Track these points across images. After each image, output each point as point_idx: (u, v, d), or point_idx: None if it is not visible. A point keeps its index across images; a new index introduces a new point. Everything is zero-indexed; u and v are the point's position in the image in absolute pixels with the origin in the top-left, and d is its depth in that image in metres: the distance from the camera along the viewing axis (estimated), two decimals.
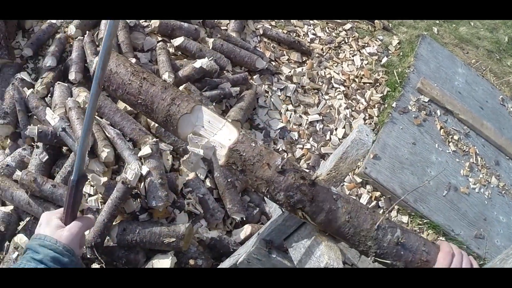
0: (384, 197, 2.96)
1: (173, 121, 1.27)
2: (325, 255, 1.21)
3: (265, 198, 2.20)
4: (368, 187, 2.97)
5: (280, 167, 1.19)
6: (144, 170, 2.08)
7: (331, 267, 1.19)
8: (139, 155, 2.13)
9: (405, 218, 2.95)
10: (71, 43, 2.77)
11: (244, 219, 2.34)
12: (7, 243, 2.08)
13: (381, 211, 2.93)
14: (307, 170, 2.83)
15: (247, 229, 2.32)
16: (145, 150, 2.13)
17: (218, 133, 1.25)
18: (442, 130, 3.37)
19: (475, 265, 1.22)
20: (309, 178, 1.21)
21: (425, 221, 2.94)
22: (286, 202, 1.20)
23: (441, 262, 1.20)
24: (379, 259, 1.21)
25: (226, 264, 1.95)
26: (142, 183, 2.10)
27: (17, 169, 2.15)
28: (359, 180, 2.95)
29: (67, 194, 1.02)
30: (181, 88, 2.43)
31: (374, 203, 2.92)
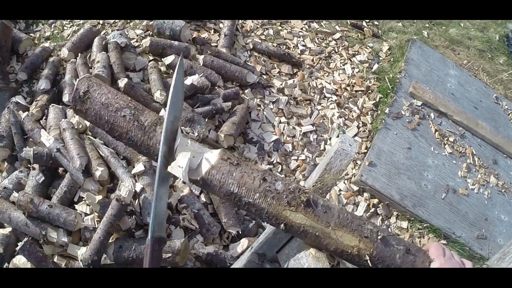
0: (382, 204, 2.96)
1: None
2: (312, 267, 1.23)
3: None
4: (365, 194, 2.97)
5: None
6: (138, 187, 2.11)
7: None
8: (132, 172, 2.16)
9: (404, 224, 2.95)
10: (64, 65, 2.84)
11: (241, 232, 2.35)
12: (6, 264, 2.10)
13: (379, 218, 2.94)
14: (302, 181, 2.85)
15: (244, 242, 2.33)
16: (139, 167, 2.16)
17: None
18: (437, 133, 3.38)
19: (467, 263, 1.25)
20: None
21: (425, 225, 2.94)
22: None
23: (433, 252, 1.25)
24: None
25: None
26: (137, 200, 2.13)
27: (14, 191, 2.18)
28: (356, 188, 2.95)
29: (145, 251, 1.10)
30: None
31: (372, 210, 2.92)
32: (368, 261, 1.25)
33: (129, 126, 1.27)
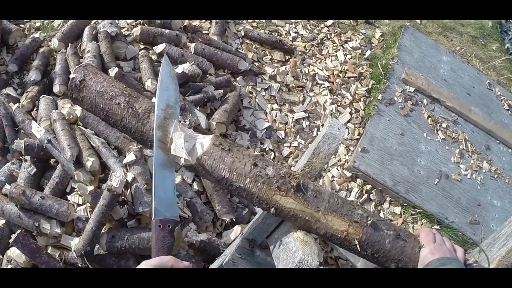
0: (375, 189, 2.98)
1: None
2: (300, 251, 1.23)
3: None
4: (358, 180, 2.98)
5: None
6: (130, 176, 2.11)
7: (305, 262, 1.21)
8: (124, 162, 2.16)
9: (397, 209, 2.96)
10: (55, 56, 2.81)
11: (234, 220, 2.37)
12: (0, 257, 2.11)
13: (372, 204, 2.95)
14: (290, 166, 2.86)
15: (237, 230, 2.34)
16: (130, 157, 2.16)
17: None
18: (429, 118, 3.39)
19: (459, 250, 1.26)
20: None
21: (418, 211, 2.95)
22: None
23: (424, 238, 1.26)
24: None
25: (214, 265, 1.98)
26: (128, 190, 2.13)
27: (6, 183, 2.18)
28: (349, 174, 2.96)
29: (152, 232, 1.09)
30: None
31: (365, 196, 2.93)
32: (357, 246, 1.26)
33: (124, 113, 1.29)
